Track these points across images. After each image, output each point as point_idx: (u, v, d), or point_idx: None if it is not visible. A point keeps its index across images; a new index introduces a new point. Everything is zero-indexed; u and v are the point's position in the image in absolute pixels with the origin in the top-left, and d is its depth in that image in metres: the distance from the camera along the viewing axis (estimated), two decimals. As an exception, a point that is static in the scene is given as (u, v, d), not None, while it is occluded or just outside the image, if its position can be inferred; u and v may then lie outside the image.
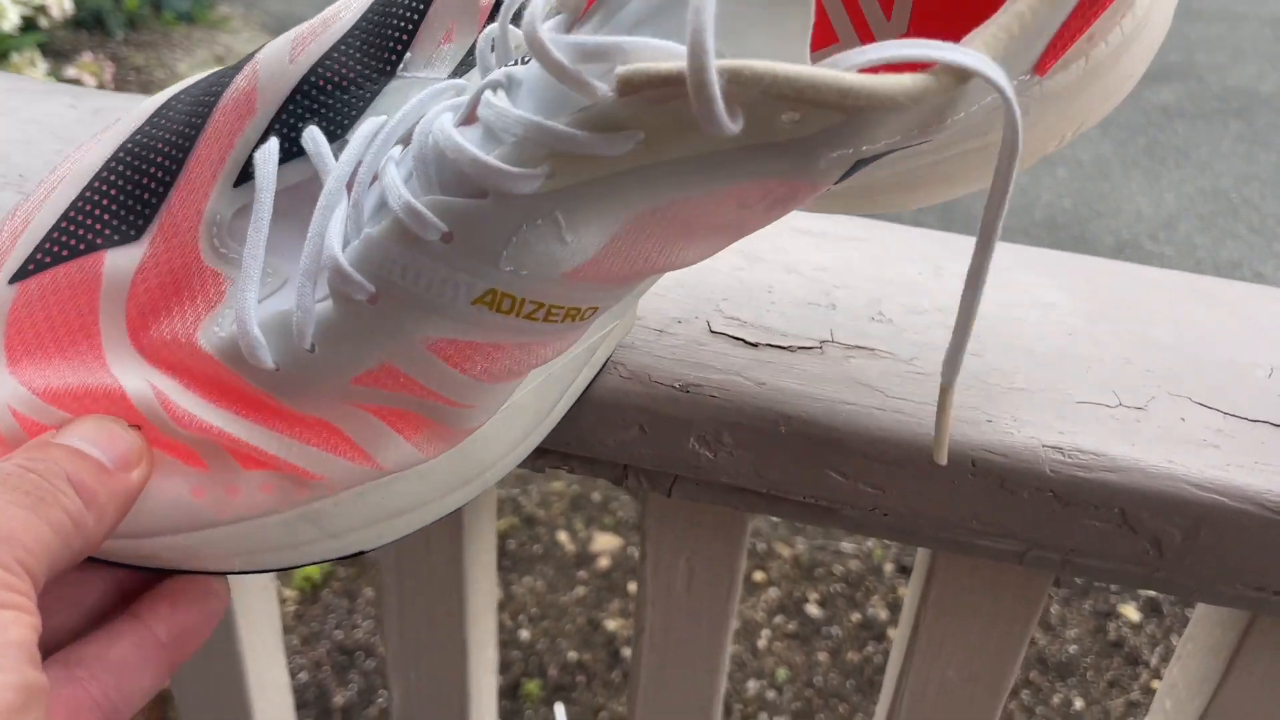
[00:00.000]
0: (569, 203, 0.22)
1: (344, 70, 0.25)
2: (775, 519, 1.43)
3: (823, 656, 1.30)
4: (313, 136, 0.25)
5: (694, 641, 0.40)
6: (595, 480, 0.33)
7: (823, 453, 0.30)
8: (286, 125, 0.25)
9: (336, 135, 0.25)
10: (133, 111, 0.26)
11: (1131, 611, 1.38)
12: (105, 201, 0.25)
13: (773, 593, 1.38)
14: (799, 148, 0.21)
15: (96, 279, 0.24)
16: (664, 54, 0.20)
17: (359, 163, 0.24)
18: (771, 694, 1.25)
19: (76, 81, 2.20)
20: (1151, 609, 1.38)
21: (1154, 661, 1.30)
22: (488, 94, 0.22)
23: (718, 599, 0.39)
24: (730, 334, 0.32)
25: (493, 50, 0.24)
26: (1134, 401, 0.30)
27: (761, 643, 1.32)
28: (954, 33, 0.23)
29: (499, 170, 0.21)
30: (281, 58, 0.25)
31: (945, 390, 0.26)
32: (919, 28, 0.29)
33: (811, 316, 0.33)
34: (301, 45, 0.25)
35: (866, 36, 0.30)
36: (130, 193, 0.25)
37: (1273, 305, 0.35)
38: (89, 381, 0.24)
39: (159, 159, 0.25)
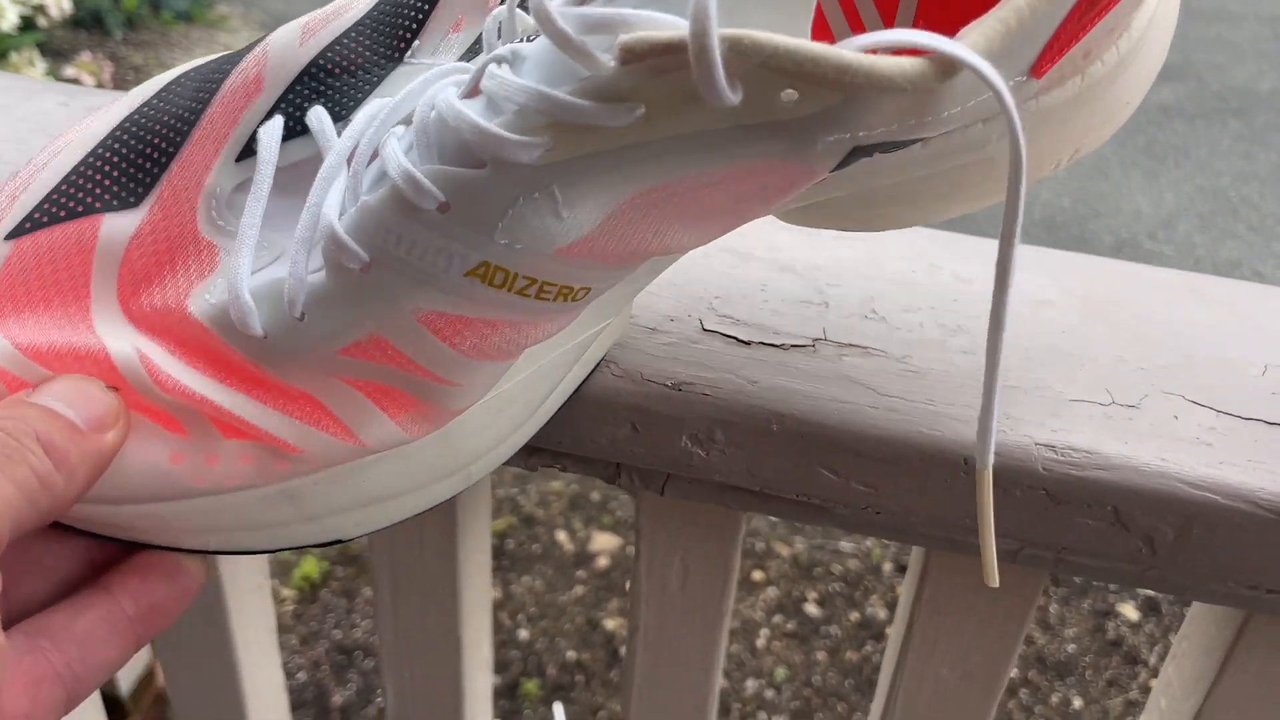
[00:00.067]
0: (567, 177, 0.22)
1: (352, 56, 0.26)
2: (774, 518, 1.43)
3: (821, 656, 1.30)
4: (318, 115, 0.25)
5: (689, 640, 0.40)
6: (594, 480, 0.33)
7: (815, 451, 0.29)
8: (292, 105, 0.25)
9: (341, 116, 0.25)
10: (140, 87, 0.26)
11: (1130, 611, 1.38)
12: (107, 168, 0.25)
13: (771, 592, 1.38)
14: (796, 129, 0.21)
15: (92, 241, 0.24)
16: (668, 26, 0.20)
17: (360, 139, 0.24)
18: (770, 693, 1.25)
19: (75, 81, 2.20)
20: (1150, 608, 1.38)
21: (1153, 661, 1.30)
22: (492, 67, 0.22)
23: (712, 597, 0.39)
24: (723, 332, 0.32)
25: (499, 35, 0.24)
26: (1127, 400, 0.30)
27: (760, 642, 1.32)
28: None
29: (499, 137, 0.21)
30: (291, 41, 0.26)
31: (981, 474, 0.25)
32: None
33: (804, 314, 0.33)
34: (311, 31, 0.26)
35: None
36: (133, 161, 0.25)
37: (1267, 303, 0.35)
38: (73, 341, 0.23)
39: (164, 130, 0.25)
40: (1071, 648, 1.32)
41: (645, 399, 0.30)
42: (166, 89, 0.26)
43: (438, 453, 0.27)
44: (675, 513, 0.37)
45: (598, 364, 0.30)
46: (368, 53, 0.26)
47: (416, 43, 0.26)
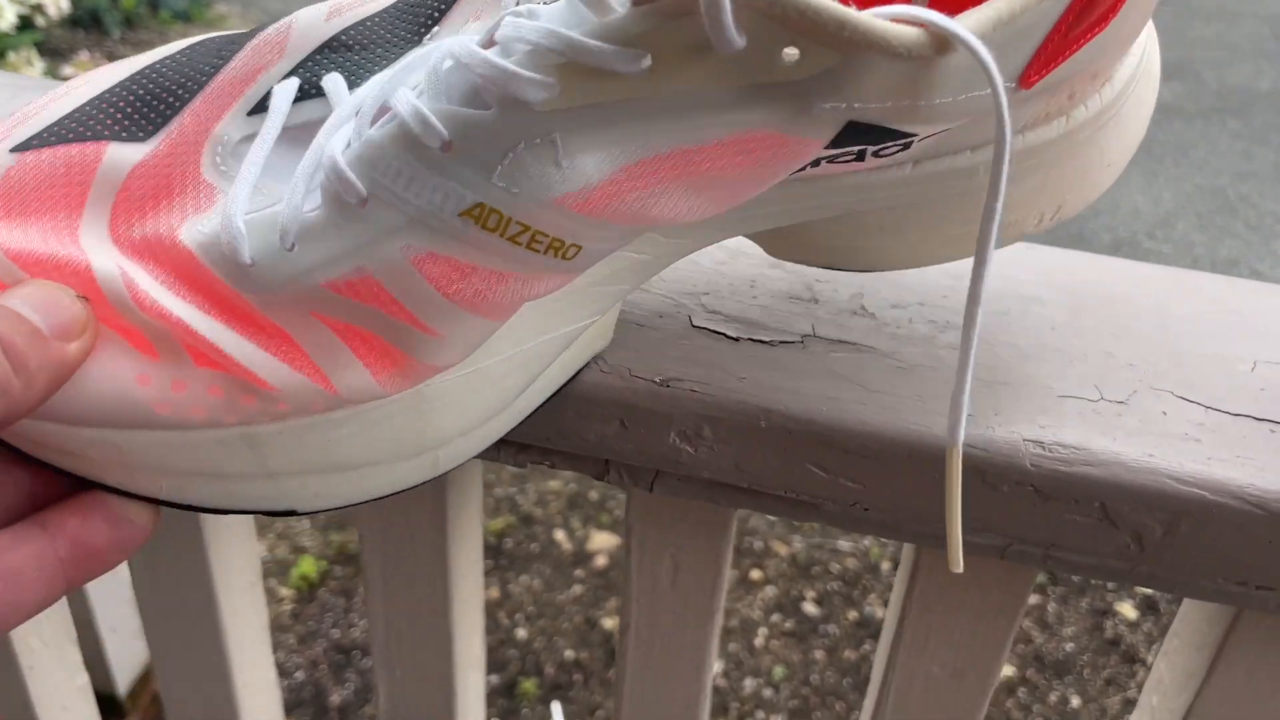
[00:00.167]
0: (569, 125, 0.22)
1: (374, 35, 0.27)
2: (770, 516, 1.43)
3: (819, 655, 1.30)
4: (333, 79, 0.26)
5: (680, 637, 0.40)
6: (592, 479, 0.33)
7: (803, 447, 0.29)
8: (310, 72, 0.26)
9: (356, 85, 0.26)
10: (158, 48, 0.27)
11: (1128, 609, 1.38)
12: (121, 104, 0.25)
13: (770, 591, 1.38)
14: (795, 92, 0.22)
15: (95, 163, 0.25)
16: None
17: (371, 94, 0.25)
18: (768, 692, 1.25)
19: (73, 81, 2.19)
20: (1149, 607, 1.38)
21: (1151, 659, 1.30)
22: (509, 17, 0.23)
23: (703, 594, 0.39)
24: (712, 328, 0.32)
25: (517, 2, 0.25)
26: (1116, 396, 0.30)
27: (758, 641, 1.32)
28: None
29: (509, 72, 0.22)
30: (317, 18, 0.27)
31: (951, 451, 0.25)
32: None
33: (793, 311, 0.33)
34: (338, 12, 0.27)
35: None
36: (146, 102, 0.26)
37: (1256, 299, 0.35)
38: (56, 250, 0.23)
39: (180, 80, 0.26)
40: (1070, 646, 1.32)
41: (633, 395, 0.30)
42: (185, 49, 0.27)
43: (407, 423, 0.26)
44: (665, 510, 0.37)
45: (578, 371, 0.30)
46: (389, 34, 0.27)
47: (437, 29, 0.26)
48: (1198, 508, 0.28)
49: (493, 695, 1.24)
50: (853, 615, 1.36)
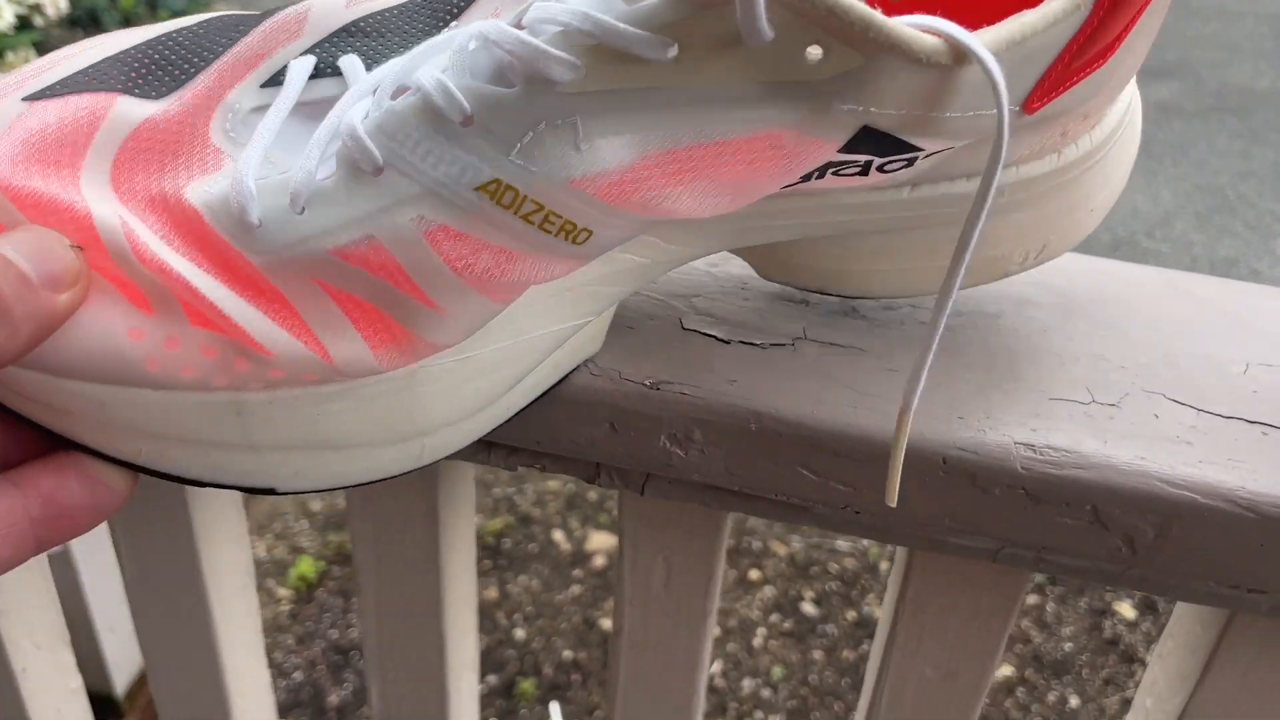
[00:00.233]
0: (591, 109, 0.23)
1: (392, 25, 0.27)
2: (764, 519, 1.43)
3: (818, 655, 1.30)
4: (351, 60, 0.26)
5: (673, 639, 0.40)
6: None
7: (794, 450, 0.29)
8: (327, 52, 0.26)
9: (372, 69, 0.26)
10: (173, 20, 0.27)
11: (1127, 609, 1.38)
12: (135, 64, 0.25)
13: (768, 591, 1.38)
14: (816, 92, 0.23)
15: (103, 112, 0.24)
16: None
17: (391, 72, 0.25)
18: (767, 692, 1.25)
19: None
20: (1147, 606, 1.38)
21: (1149, 659, 1.30)
22: (537, 2, 0.23)
23: (696, 596, 0.39)
24: (702, 330, 0.31)
25: None
26: (1107, 398, 0.30)
27: (757, 641, 1.31)
28: None
29: (538, 49, 0.22)
30: (336, 4, 0.27)
31: (902, 416, 0.26)
32: None
33: (785, 313, 0.33)
34: (356, 1, 0.27)
35: None
36: (161, 65, 0.26)
37: (1249, 301, 0.35)
38: (56, 193, 0.23)
39: (196, 48, 0.26)
40: (1068, 646, 1.32)
41: (623, 398, 0.30)
42: (201, 22, 0.27)
43: (398, 403, 0.26)
44: (658, 512, 0.37)
45: (567, 374, 0.30)
46: (407, 25, 0.27)
47: (455, 23, 0.27)
48: (1189, 511, 0.28)
49: (491, 695, 1.24)
50: (851, 615, 1.36)
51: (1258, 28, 3.50)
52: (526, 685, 1.25)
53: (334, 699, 1.23)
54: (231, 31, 0.27)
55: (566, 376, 0.30)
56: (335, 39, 0.26)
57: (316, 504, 1.49)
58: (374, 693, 0.46)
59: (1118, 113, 0.30)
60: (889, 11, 0.24)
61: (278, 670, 1.26)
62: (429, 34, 0.26)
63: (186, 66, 0.26)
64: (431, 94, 0.23)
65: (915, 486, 0.29)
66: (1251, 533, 0.28)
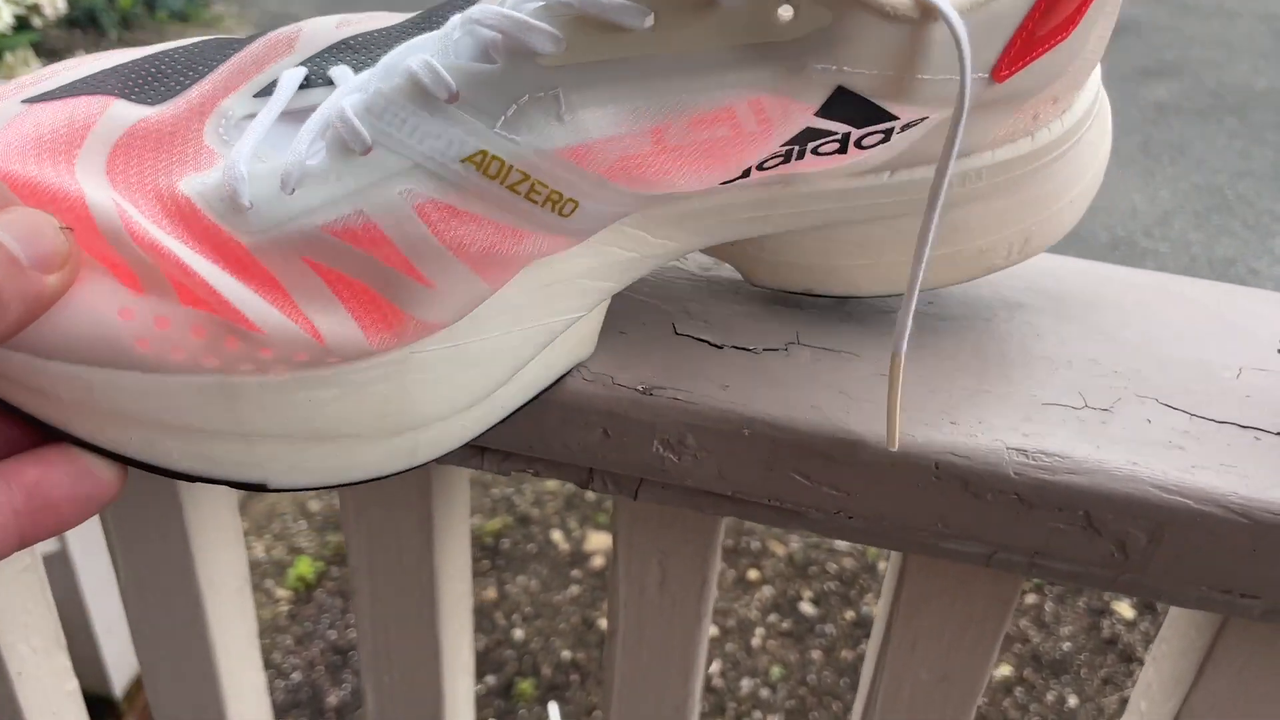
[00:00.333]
0: (573, 81, 0.24)
1: (381, 42, 0.28)
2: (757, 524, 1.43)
3: (817, 655, 1.30)
4: (341, 69, 0.27)
5: (668, 642, 0.40)
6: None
7: (786, 455, 0.29)
8: (318, 65, 0.27)
9: None
10: (167, 43, 0.28)
11: (1126, 609, 1.38)
12: (134, 75, 0.26)
13: (767, 591, 1.38)
14: (789, 52, 0.24)
15: (100, 112, 0.25)
16: None
17: (379, 69, 0.26)
18: (765, 692, 1.25)
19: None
20: (1146, 606, 1.38)
21: (1147, 660, 1.30)
22: None
23: (691, 600, 0.39)
24: (695, 336, 0.31)
25: None
26: (1100, 403, 0.30)
27: (756, 641, 1.32)
28: None
29: (521, 22, 0.23)
30: (326, 25, 0.28)
31: (895, 359, 0.27)
32: None
33: (778, 318, 0.33)
34: (346, 24, 0.28)
35: None
36: (157, 77, 0.26)
37: (1242, 305, 0.35)
38: (50, 179, 0.23)
39: (191, 62, 0.27)
40: (1067, 646, 1.32)
41: (616, 403, 0.30)
42: (195, 43, 0.28)
43: (389, 393, 0.26)
44: (652, 516, 0.37)
45: (560, 376, 0.30)
46: (397, 43, 0.28)
47: None
48: (1182, 516, 0.28)
49: (489, 696, 1.24)
50: (850, 615, 1.36)
51: (1256, 27, 3.50)
52: (525, 685, 1.25)
53: (332, 699, 1.23)
54: (225, 50, 0.27)
55: (559, 380, 0.30)
56: (326, 54, 0.27)
57: (315, 504, 1.49)
58: (369, 696, 0.46)
59: (1085, 101, 0.30)
60: None
61: (276, 671, 1.26)
62: None
63: (181, 78, 0.26)
64: (418, 74, 0.24)
65: (908, 492, 0.29)
66: (1244, 538, 0.28)
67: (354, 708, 1.22)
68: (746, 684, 1.26)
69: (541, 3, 0.23)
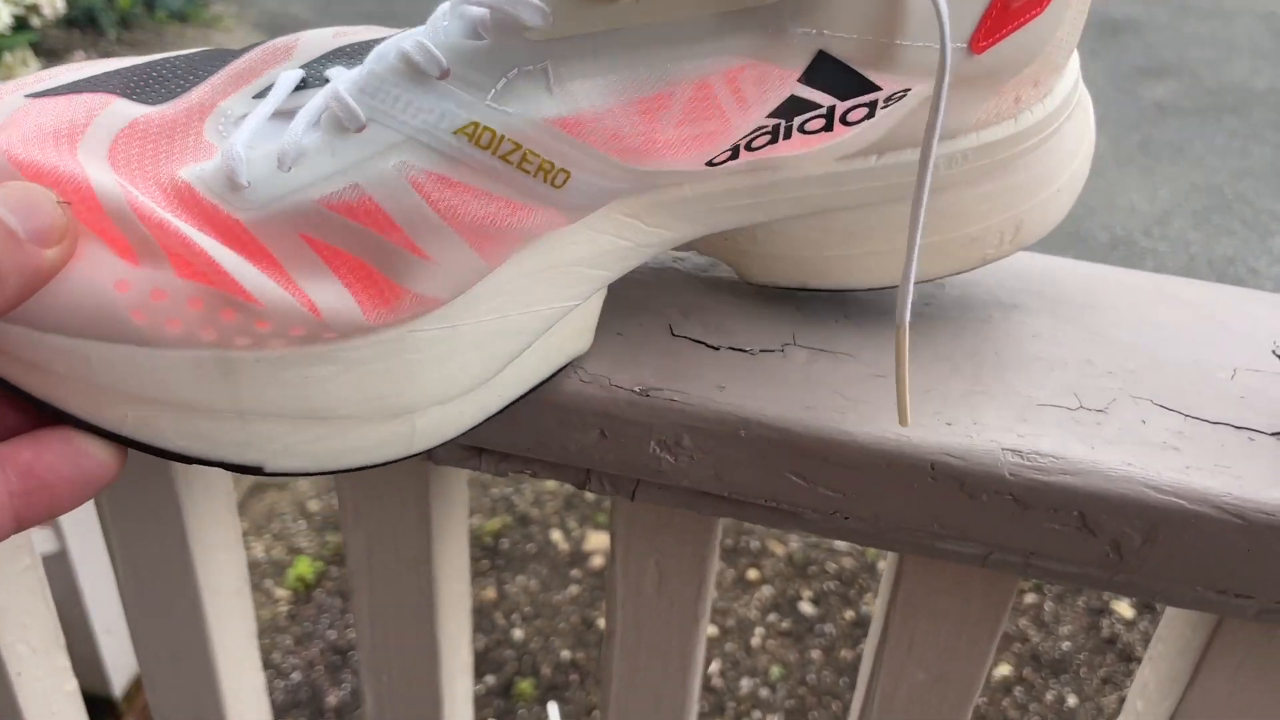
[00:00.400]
0: (560, 54, 0.24)
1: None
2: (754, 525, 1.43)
3: (816, 654, 1.30)
4: (338, 69, 0.27)
5: (666, 642, 0.40)
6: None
7: (783, 457, 0.29)
8: (315, 69, 0.28)
9: None
10: (174, 52, 0.29)
11: (1125, 608, 1.38)
12: (135, 77, 0.27)
13: (766, 591, 1.39)
14: (770, 17, 0.24)
15: (102, 106, 0.25)
16: None
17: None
18: (765, 692, 1.25)
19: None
20: (1145, 605, 1.38)
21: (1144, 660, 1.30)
22: None
23: (688, 600, 0.39)
24: (691, 337, 0.32)
25: None
26: (1095, 404, 0.30)
27: (755, 640, 1.32)
28: None
29: None
30: (323, 35, 0.29)
31: (900, 330, 0.27)
32: None
33: (774, 319, 0.33)
34: (342, 34, 0.29)
35: None
36: (159, 80, 0.27)
37: (1237, 306, 0.35)
38: (55, 163, 0.23)
39: (193, 68, 0.28)
40: (1066, 645, 1.32)
41: (613, 405, 0.30)
42: (195, 52, 0.29)
43: (386, 372, 0.26)
44: (649, 516, 0.37)
45: (558, 369, 0.30)
46: None
47: None
48: (1176, 516, 0.28)
49: (489, 696, 1.25)
50: (849, 615, 1.36)
51: (1255, 26, 3.50)
52: (525, 685, 1.25)
53: (332, 699, 1.23)
54: (224, 58, 0.28)
55: (557, 374, 0.30)
56: (323, 59, 0.28)
57: (314, 504, 1.49)
58: (368, 696, 0.46)
59: (1065, 87, 0.31)
60: None
61: (276, 671, 1.26)
62: None
63: (182, 82, 0.27)
64: (410, 53, 0.24)
65: (904, 492, 0.29)
66: (1238, 538, 0.28)
67: (353, 708, 1.22)
68: (746, 683, 1.27)
69: None
